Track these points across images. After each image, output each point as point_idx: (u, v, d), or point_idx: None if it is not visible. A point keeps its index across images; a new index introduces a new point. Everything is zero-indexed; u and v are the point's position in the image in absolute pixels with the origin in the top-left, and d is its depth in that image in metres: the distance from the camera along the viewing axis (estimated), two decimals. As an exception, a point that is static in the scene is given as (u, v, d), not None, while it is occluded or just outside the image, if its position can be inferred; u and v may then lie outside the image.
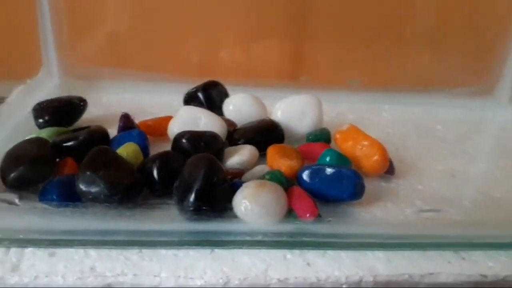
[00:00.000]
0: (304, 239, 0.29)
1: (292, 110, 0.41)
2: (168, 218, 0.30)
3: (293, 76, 0.61)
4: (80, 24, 0.54)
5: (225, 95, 0.45)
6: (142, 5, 0.56)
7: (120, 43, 0.57)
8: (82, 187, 0.29)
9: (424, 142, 0.45)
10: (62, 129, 0.38)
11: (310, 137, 0.41)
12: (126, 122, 0.38)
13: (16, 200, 0.29)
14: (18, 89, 0.46)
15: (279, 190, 0.30)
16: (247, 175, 0.34)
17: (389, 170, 0.37)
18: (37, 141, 0.34)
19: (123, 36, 0.57)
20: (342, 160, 0.35)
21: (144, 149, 0.35)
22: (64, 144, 0.34)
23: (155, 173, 0.32)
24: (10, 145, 0.33)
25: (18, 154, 0.32)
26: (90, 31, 0.55)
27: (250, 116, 0.42)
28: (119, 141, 0.35)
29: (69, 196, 0.30)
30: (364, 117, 0.50)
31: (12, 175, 0.31)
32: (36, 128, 0.40)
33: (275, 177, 0.32)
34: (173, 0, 0.56)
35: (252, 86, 0.48)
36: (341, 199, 0.32)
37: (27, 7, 0.49)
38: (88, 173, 0.30)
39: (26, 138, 0.35)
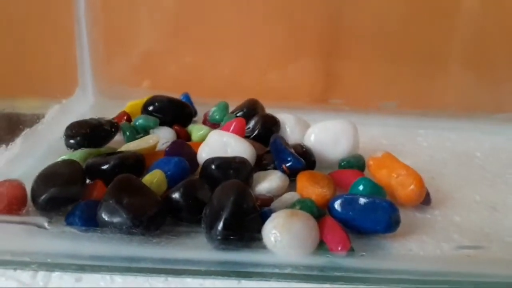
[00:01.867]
0: (335, 273, 0.28)
1: (326, 135, 0.40)
2: (195, 247, 0.29)
3: (325, 97, 0.61)
4: (116, 44, 0.56)
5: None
6: (177, 25, 0.57)
7: (155, 63, 0.58)
8: (105, 216, 0.29)
9: (462, 171, 0.43)
10: (94, 150, 0.38)
11: (343, 164, 0.39)
12: (173, 149, 0.38)
13: (46, 224, 0.29)
14: (54, 108, 0.47)
15: (311, 220, 0.29)
16: (276, 203, 0.33)
17: (425, 200, 0.35)
18: (69, 162, 0.34)
19: (157, 56, 0.57)
20: (376, 189, 0.34)
21: (181, 176, 0.34)
22: (100, 167, 0.34)
23: (180, 201, 0.31)
24: (42, 166, 0.33)
25: (49, 176, 0.32)
26: (125, 51, 0.56)
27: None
28: (157, 167, 0.35)
29: (94, 221, 0.30)
30: (399, 142, 0.48)
31: (43, 197, 0.31)
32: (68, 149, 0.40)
33: (306, 206, 0.31)
34: (207, 21, 0.56)
35: (283, 107, 0.47)
36: (375, 231, 0.31)
37: (65, 26, 0.51)
38: (110, 202, 0.29)
39: (58, 159, 0.36)
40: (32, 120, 0.43)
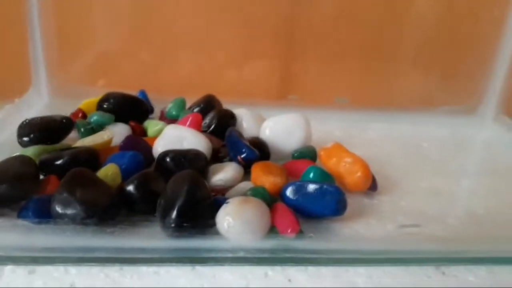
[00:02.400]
0: (286, 255, 0.29)
1: (280, 128, 0.41)
2: (149, 235, 0.30)
3: (282, 94, 0.62)
4: (70, 43, 0.55)
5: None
6: (132, 24, 0.57)
7: (110, 62, 0.57)
8: (58, 209, 0.29)
9: (409, 160, 0.46)
10: (48, 147, 0.38)
11: (296, 155, 0.41)
12: (128, 143, 0.38)
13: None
14: (5, 108, 0.46)
15: (263, 206, 0.31)
16: (231, 192, 0.34)
17: (372, 186, 0.37)
18: (21, 158, 0.34)
19: (113, 55, 0.57)
20: (325, 177, 0.35)
21: (136, 169, 0.34)
22: (53, 163, 0.34)
23: (134, 193, 0.31)
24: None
25: (1, 172, 0.32)
26: (80, 49, 0.56)
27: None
28: (112, 161, 0.35)
29: (47, 215, 0.30)
30: (351, 135, 0.51)
31: (-6, 192, 0.31)
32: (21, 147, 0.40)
33: (258, 193, 0.32)
34: (163, 20, 0.56)
35: (240, 104, 0.48)
36: (323, 215, 0.32)
37: (17, 25, 0.50)
38: (64, 194, 0.29)
39: (11, 156, 0.35)
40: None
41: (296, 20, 0.59)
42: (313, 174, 0.36)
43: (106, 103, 0.44)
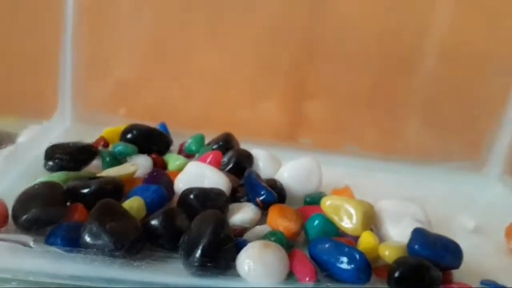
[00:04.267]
0: (303, 302, 0.30)
1: (296, 173, 0.43)
2: (173, 272, 0.31)
3: (292, 135, 0.64)
4: (95, 70, 0.57)
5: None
6: (152, 56, 0.59)
7: (130, 91, 0.59)
8: (88, 239, 0.30)
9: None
10: (73, 174, 0.39)
11: (308, 200, 0.43)
12: (152, 177, 0.40)
13: (31, 243, 0.30)
14: (32, 128, 0.47)
15: (282, 252, 0.32)
16: (248, 234, 0.36)
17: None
18: (52, 184, 0.35)
19: (133, 85, 0.59)
20: (328, 226, 0.37)
21: (159, 203, 0.36)
22: (80, 191, 0.35)
23: (158, 228, 0.33)
24: (21, 185, 0.34)
25: (32, 196, 0.33)
26: (102, 78, 0.58)
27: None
28: (136, 193, 0.36)
29: (75, 243, 0.31)
30: (360, 183, 0.52)
31: (25, 216, 0.32)
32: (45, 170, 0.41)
33: (278, 238, 0.34)
34: (180, 53, 0.59)
35: (251, 142, 0.50)
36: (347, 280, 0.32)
37: (51, 49, 0.52)
38: (94, 225, 0.31)
39: (39, 180, 0.36)
40: (12, 139, 0.43)
41: (309, 63, 0.61)
42: (318, 222, 0.37)
43: (129, 134, 0.46)
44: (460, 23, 0.58)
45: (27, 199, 0.33)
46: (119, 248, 0.30)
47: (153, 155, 0.45)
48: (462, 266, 0.34)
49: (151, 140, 0.47)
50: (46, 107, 0.53)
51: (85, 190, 0.36)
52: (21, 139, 0.46)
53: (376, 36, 0.58)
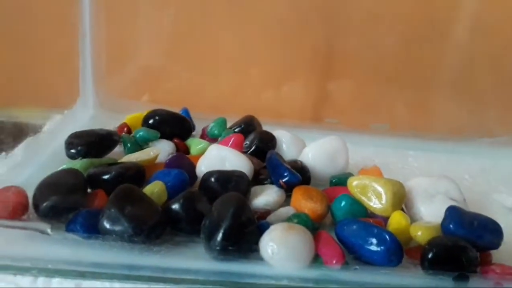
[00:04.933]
0: (330, 286, 0.29)
1: (322, 153, 0.42)
2: (194, 256, 0.30)
3: (317, 117, 0.62)
4: (116, 58, 0.57)
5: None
6: (175, 42, 0.59)
7: (153, 78, 0.59)
8: (107, 225, 0.30)
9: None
10: (95, 161, 0.39)
11: (334, 181, 0.41)
12: (173, 161, 0.39)
13: (49, 230, 0.30)
14: (55, 118, 0.48)
15: (307, 234, 0.30)
16: (272, 216, 0.34)
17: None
18: (72, 172, 0.35)
19: (156, 71, 0.59)
20: (356, 207, 0.35)
21: (181, 187, 0.35)
22: (101, 177, 0.35)
23: (179, 212, 0.32)
24: (44, 174, 0.34)
25: (52, 183, 0.33)
26: (125, 65, 0.58)
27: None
28: (157, 178, 0.36)
29: (95, 229, 0.30)
30: (389, 162, 0.50)
31: (45, 203, 0.32)
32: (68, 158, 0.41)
33: (302, 220, 0.32)
34: (205, 39, 0.58)
35: (276, 124, 0.48)
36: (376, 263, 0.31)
37: (70, 39, 0.52)
38: (113, 210, 0.30)
39: (60, 168, 0.36)
40: (34, 130, 0.44)
41: (335, 42, 0.59)
42: (345, 203, 0.35)
43: (151, 120, 0.45)
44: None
45: (47, 186, 0.33)
46: (138, 234, 0.29)
47: (176, 140, 0.44)
48: (502, 247, 0.32)
49: (173, 125, 0.46)
50: (70, 96, 0.53)
51: (106, 176, 0.35)
52: (45, 129, 0.46)
53: (405, 4, 0.55)
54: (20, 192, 0.33)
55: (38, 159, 0.41)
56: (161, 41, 0.58)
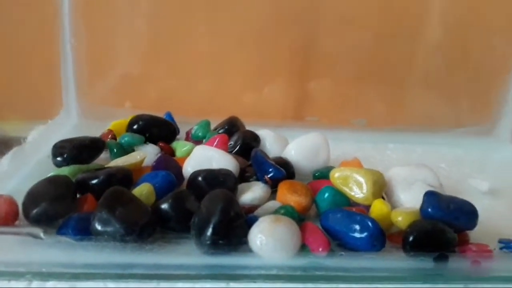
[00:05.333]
0: (317, 273, 0.30)
1: (304, 149, 0.43)
2: (185, 252, 0.31)
3: (298, 115, 0.64)
4: (98, 67, 0.57)
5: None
6: (154, 49, 0.59)
7: (135, 85, 0.59)
8: (98, 226, 0.31)
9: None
10: (82, 167, 0.39)
11: (317, 175, 0.42)
12: (160, 163, 0.40)
13: (41, 234, 0.30)
14: (39, 128, 0.48)
15: (293, 225, 0.32)
16: (259, 210, 0.36)
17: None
18: (60, 178, 0.35)
19: (137, 79, 0.59)
20: (339, 198, 0.37)
21: (168, 188, 0.36)
22: (89, 182, 0.36)
23: (169, 211, 0.33)
24: (30, 184, 0.34)
25: (42, 190, 0.33)
26: (107, 73, 0.58)
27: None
28: (145, 180, 0.37)
29: (86, 232, 0.31)
30: (369, 155, 0.52)
31: (36, 210, 0.32)
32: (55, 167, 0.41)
33: (288, 212, 0.34)
34: (182, 45, 0.58)
35: (258, 124, 0.49)
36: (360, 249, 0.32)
37: (51, 49, 0.52)
38: (103, 213, 0.31)
39: (49, 175, 0.37)
40: (18, 141, 0.44)
41: (312, 42, 0.60)
42: (328, 194, 0.37)
43: (136, 125, 0.46)
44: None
45: (36, 194, 0.33)
46: (130, 233, 0.30)
47: (161, 143, 0.45)
48: (478, 227, 0.34)
49: (157, 129, 0.47)
50: (52, 107, 0.53)
51: (94, 181, 0.36)
52: (29, 139, 0.46)
53: (377, 3, 0.57)
54: (10, 200, 0.33)
55: (24, 169, 0.41)
56: (141, 48, 0.59)
